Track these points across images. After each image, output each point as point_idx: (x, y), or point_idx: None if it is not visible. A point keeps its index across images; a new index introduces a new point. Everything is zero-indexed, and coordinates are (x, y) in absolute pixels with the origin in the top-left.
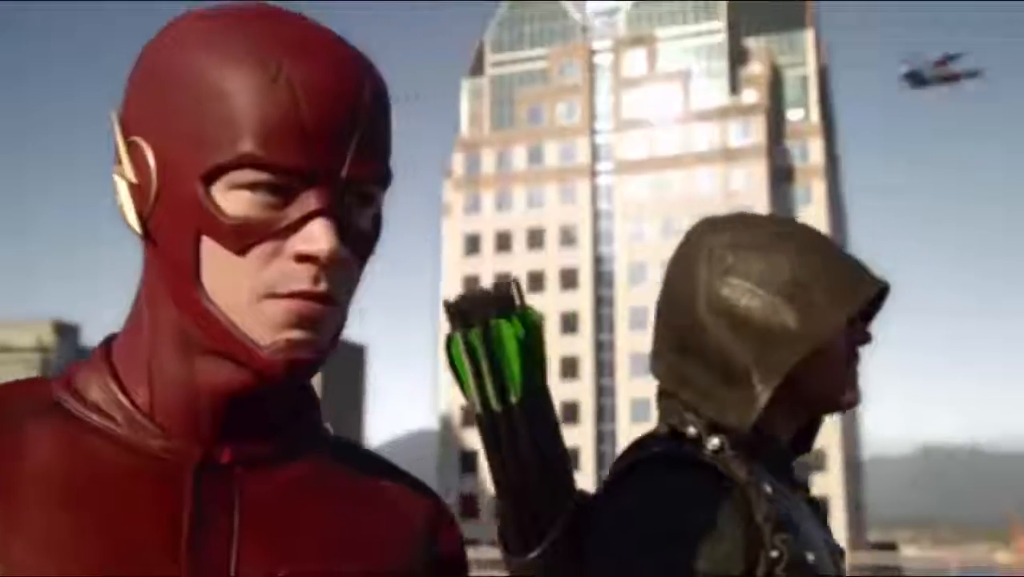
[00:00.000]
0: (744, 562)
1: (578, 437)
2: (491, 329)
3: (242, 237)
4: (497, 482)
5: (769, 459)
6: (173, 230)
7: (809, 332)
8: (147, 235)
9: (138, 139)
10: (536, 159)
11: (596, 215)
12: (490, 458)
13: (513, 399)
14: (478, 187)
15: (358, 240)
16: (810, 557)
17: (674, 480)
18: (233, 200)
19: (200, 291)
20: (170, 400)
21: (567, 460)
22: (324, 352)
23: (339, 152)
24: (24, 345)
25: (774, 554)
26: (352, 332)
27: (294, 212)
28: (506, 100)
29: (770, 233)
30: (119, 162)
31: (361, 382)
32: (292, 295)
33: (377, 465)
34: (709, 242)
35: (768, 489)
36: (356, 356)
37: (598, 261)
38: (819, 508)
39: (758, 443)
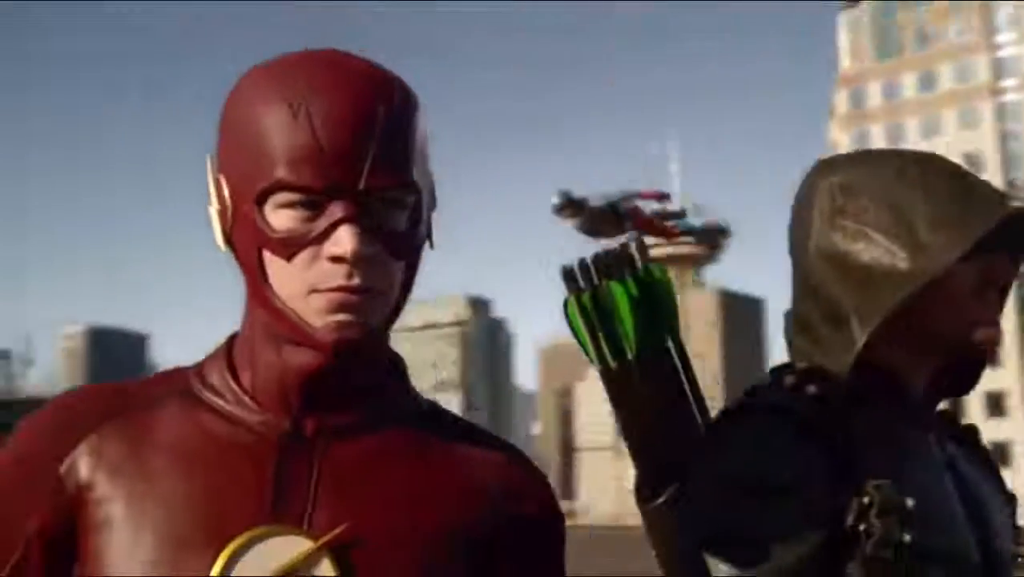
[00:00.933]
0: (826, 511)
1: (1007, 430)
2: (602, 290)
3: (287, 247)
4: (624, 435)
5: (892, 404)
6: (244, 245)
7: (912, 271)
8: (232, 251)
9: (220, 176)
10: (928, 85)
11: (1003, 137)
12: (616, 412)
13: (629, 356)
14: (866, 122)
15: (390, 239)
16: (909, 502)
17: (751, 430)
18: (279, 217)
19: (269, 290)
20: (265, 382)
21: (696, 412)
22: (371, 331)
23: (355, 169)
24: (444, 321)
25: (865, 500)
26: (749, 285)
27: (323, 223)
28: (889, 27)
29: (885, 170)
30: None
31: (760, 335)
32: (331, 289)
33: (459, 430)
34: (821, 184)
35: (869, 435)
36: (754, 308)
37: (1011, 186)
38: (985, 455)
39: (874, 387)
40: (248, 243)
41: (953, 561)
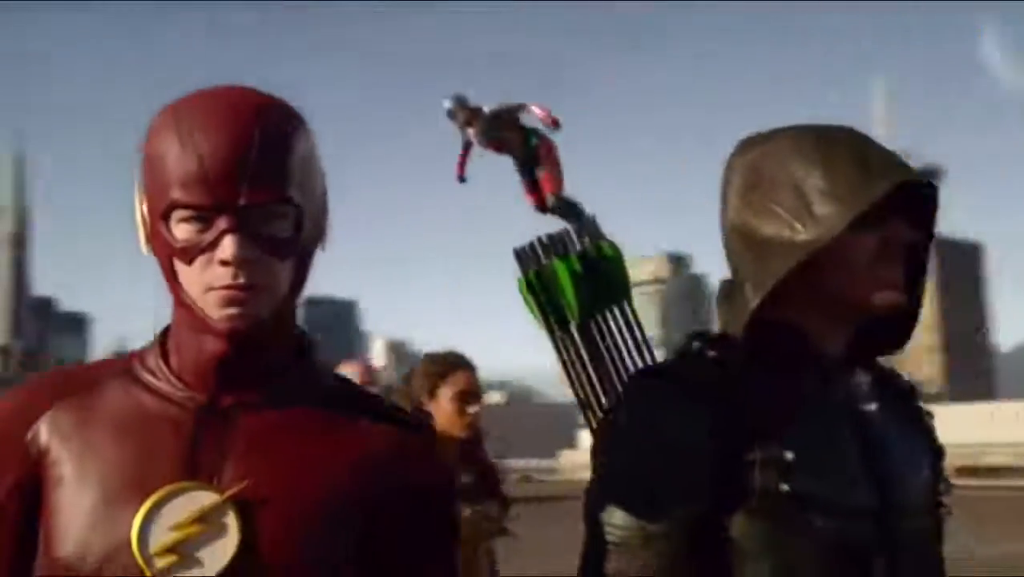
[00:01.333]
0: (712, 467)
1: None
2: (547, 269)
3: (187, 253)
4: (573, 393)
5: (798, 364)
6: (159, 252)
7: (804, 240)
8: (153, 254)
9: (139, 196)
10: None
11: None
12: (562, 373)
13: (572, 324)
14: None
15: (270, 244)
16: (788, 455)
17: (647, 393)
18: (180, 230)
19: (180, 289)
20: (187, 364)
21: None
22: (260, 321)
23: (236, 188)
24: (644, 279)
25: (749, 456)
26: (968, 230)
27: (212, 234)
28: None
29: (789, 147)
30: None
31: (978, 281)
32: (222, 288)
33: (360, 405)
34: (736, 162)
35: (765, 394)
36: (971, 255)
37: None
38: (917, 412)
39: (780, 350)
40: (161, 251)
41: (837, 508)
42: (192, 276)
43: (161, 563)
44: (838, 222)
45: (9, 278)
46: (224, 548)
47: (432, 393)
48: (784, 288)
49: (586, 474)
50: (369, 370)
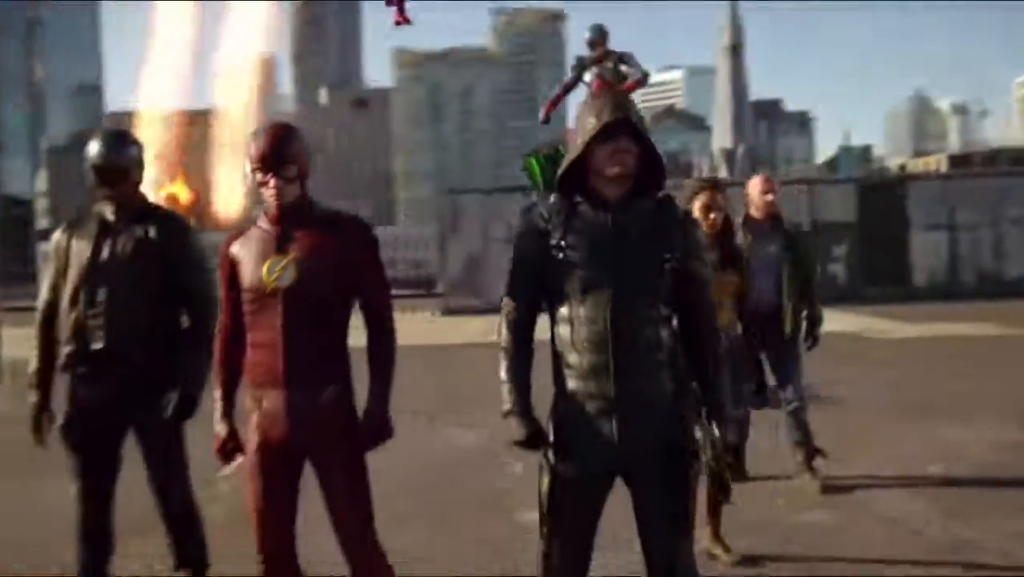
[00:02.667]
0: (536, 248)
1: None
2: (529, 162)
3: (260, 184)
4: None
5: (593, 207)
6: (257, 182)
7: (578, 147)
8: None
9: (246, 160)
10: None
11: None
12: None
13: (540, 185)
14: None
15: (289, 180)
16: (571, 239)
17: (521, 218)
18: (256, 176)
19: (262, 193)
20: (269, 216)
21: None
22: (290, 201)
23: (270, 160)
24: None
25: (551, 241)
26: None
27: (263, 177)
28: None
29: (586, 106)
30: None
31: None
32: (271, 195)
33: (331, 216)
34: (578, 110)
35: (568, 219)
36: None
37: None
38: (671, 218)
39: (583, 201)
40: (254, 180)
41: (591, 278)
42: (264, 190)
43: (270, 281)
44: (585, 140)
45: (730, 85)
46: (291, 276)
47: (690, 202)
48: (587, 168)
49: None
50: None
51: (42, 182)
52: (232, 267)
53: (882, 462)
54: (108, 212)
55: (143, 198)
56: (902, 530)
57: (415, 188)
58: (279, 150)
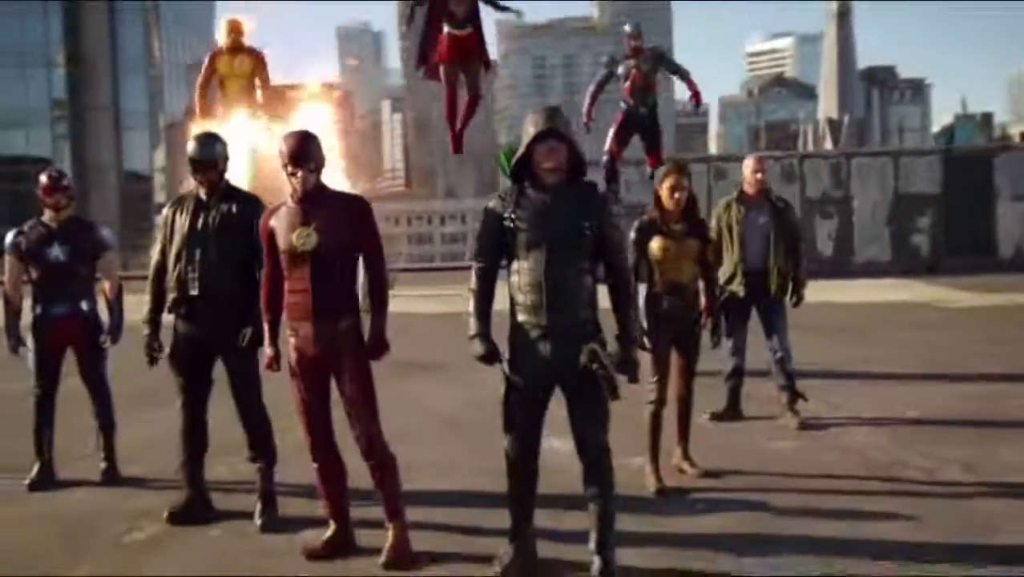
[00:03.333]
0: (496, 222)
1: None
2: (501, 159)
3: (291, 176)
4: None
5: (536, 190)
6: (285, 175)
7: (517, 155)
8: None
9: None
10: None
11: None
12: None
13: (506, 171)
14: None
15: (311, 172)
16: (519, 213)
17: (489, 199)
18: (288, 170)
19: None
20: (295, 198)
21: None
22: (312, 186)
23: (298, 159)
24: None
25: (506, 215)
26: None
27: (294, 169)
28: None
29: (531, 115)
30: None
31: None
32: (298, 183)
33: (342, 196)
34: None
35: (518, 199)
36: None
37: None
38: (587, 197)
39: (531, 187)
40: (287, 175)
41: (531, 240)
42: (291, 179)
43: (300, 244)
44: (526, 144)
45: (836, 52)
46: (314, 240)
47: (660, 183)
48: (531, 163)
49: None
50: None
51: (160, 157)
52: (270, 235)
53: (868, 407)
54: (202, 193)
55: (227, 182)
56: (850, 454)
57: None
58: (302, 150)
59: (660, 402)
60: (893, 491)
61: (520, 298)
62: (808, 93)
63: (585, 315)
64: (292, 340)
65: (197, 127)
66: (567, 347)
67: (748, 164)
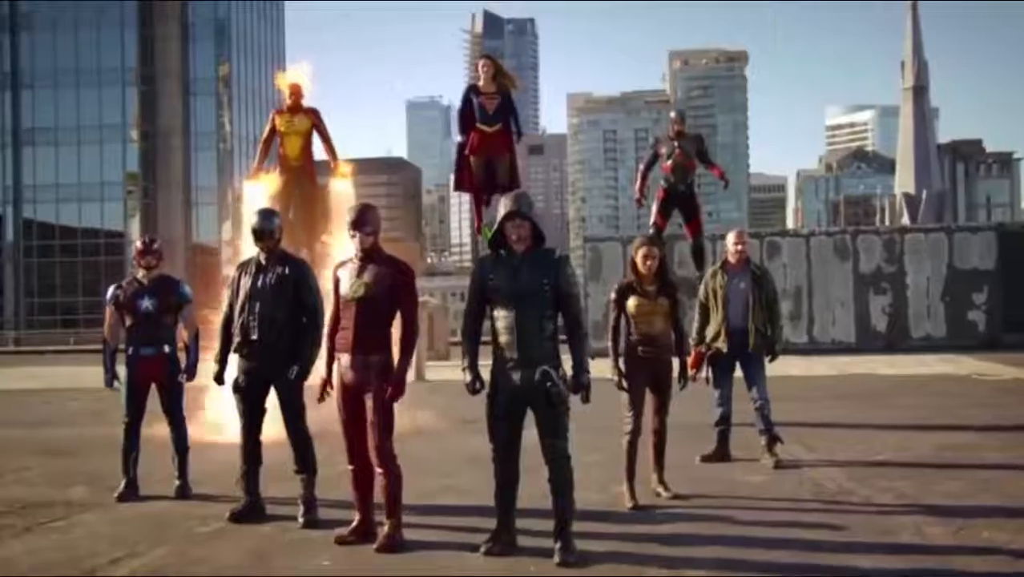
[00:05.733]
0: (480, 281)
1: None
2: (483, 231)
3: (351, 237)
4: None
5: (507, 256)
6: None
7: (493, 231)
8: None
9: None
10: None
11: None
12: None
13: (487, 238)
14: None
15: (367, 235)
16: (496, 274)
17: (476, 263)
18: (350, 232)
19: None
20: (358, 253)
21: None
22: (367, 246)
23: (357, 225)
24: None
25: (487, 276)
26: None
27: (354, 232)
28: None
29: (504, 201)
30: None
31: None
32: (357, 244)
33: (388, 258)
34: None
35: (495, 263)
36: None
37: None
38: (551, 264)
39: (505, 254)
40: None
41: (504, 296)
42: (353, 241)
43: (350, 294)
44: (498, 222)
45: (912, 126)
46: (362, 291)
47: (635, 252)
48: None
49: None
50: None
51: (227, 230)
52: (336, 283)
53: (843, 452)
54: (262, 257)
55: (281, 249)
56: (807, 485)
57: (592, 233)
58: (362, 218)
59: (636, 432)
60: (829, 509)
61: (500, 338)
62: (889, 167)
63: (546, 350)
64: (336, 368)
65: (249, 184)
66: (532, 375)
67: (730, 238)
